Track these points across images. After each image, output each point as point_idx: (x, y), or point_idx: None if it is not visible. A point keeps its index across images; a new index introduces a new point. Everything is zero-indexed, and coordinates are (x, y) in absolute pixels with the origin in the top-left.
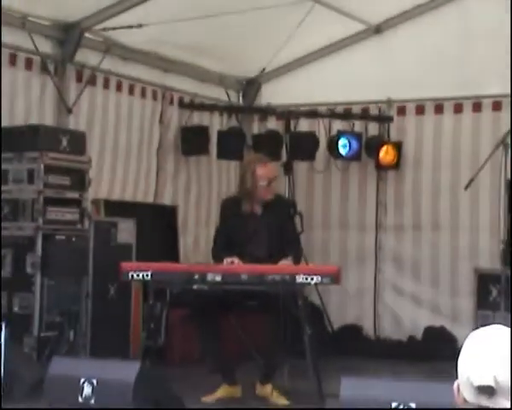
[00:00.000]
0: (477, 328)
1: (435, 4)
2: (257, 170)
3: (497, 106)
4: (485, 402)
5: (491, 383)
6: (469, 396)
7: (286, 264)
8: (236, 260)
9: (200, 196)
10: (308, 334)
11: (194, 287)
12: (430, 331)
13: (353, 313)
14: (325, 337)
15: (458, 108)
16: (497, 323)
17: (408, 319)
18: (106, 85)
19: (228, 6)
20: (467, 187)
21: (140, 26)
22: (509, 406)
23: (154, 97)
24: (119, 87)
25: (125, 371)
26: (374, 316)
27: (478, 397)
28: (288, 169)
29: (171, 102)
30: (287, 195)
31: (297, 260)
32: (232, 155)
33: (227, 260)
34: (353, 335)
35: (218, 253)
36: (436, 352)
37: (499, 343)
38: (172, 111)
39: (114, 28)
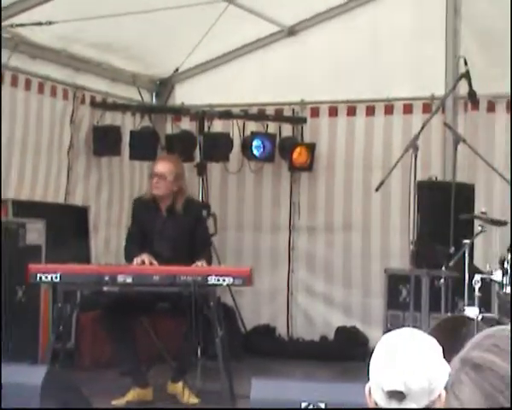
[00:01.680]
0: (387, 328)
1: (347, 8)
2: (152, 167)
3: (408, 109)
4: (395, 406)
5: (401, 388)
6: (380, 400)
7: (199, 265)
8: (146, 258)
9: (111, 196)
10: (220, 335)
11: (105, 289)
12: (342, 331)
13: (266, 314)
14: (238, 338)
15: (370, 111)
16: (407, 323)
17: (320, 319)
18: (14, 83)
19: (141, 5)
20: (377, 189)
21: (49, 23)
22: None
23: (65, 96)
24: (27, 85)
25: (32, 375)
26: (287, 317)
27: (388, 401)
28: (201, 170)
29: (83, 101)
30: (200, 196)
31: (208, 263)
32: (145, 156)
33: (137, 260)
34: (266, 335)
35: (130, 253)
36: (348, 352)
37: (410, 348)
38: (84, 110)
39: (22, 25)
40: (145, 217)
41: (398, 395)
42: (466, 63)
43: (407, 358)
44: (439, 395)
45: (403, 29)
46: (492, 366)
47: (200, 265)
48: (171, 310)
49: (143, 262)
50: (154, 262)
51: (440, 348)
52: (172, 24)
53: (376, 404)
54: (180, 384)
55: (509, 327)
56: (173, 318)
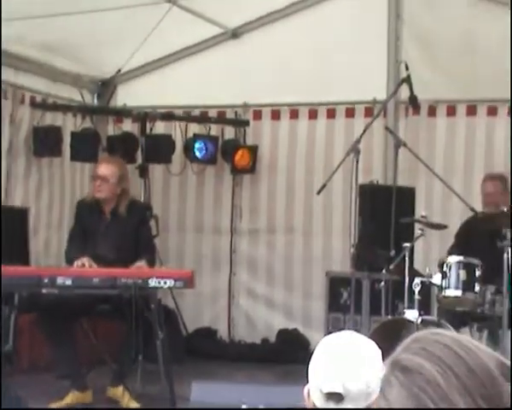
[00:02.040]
0: (328, 331)
1: (291, 11)
2: (94, 170)
3: (350, 113)
4: (333, 407)
5: (339, 390)
6: (318, 401)
7: (139, 267)
8: (87, 261)
9: (52, 198)
10: (160, 338)
11: (44, 291)
12: (283, 334)
13: (208, 317)
14: (179, 341)
15: (313, 114)
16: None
17: (262, 322)
18: None
19: (83, 5)
20: (319, 192)
21: None
22: None
23: (5, 96)
24: None
25: None
26: (228, 319)
27: (326, 403)
28: (143, 172)
29: (23, 101)
30: (142, 198)
31: (150, 265)
32: (86, 157)
33: (77, 263)
34: (208, 338)
35: (71, 255)
36: (289, 354)
37: (349, 351)
38: (24, 111)
39: None
40: (88, 219)
41: (336, 397)
42: (407, 68)
43: (346, 361)
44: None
45: (345, 33)
46: (420, 370)
47: (140, 265)
48: (112, 313)
49: (84, 265)
50: (94, 265)
51: (379, 352)
52: (115, 25)
53: (314, 405)
54: (120, 388)
55: (438, 331)
56: (114, 320)
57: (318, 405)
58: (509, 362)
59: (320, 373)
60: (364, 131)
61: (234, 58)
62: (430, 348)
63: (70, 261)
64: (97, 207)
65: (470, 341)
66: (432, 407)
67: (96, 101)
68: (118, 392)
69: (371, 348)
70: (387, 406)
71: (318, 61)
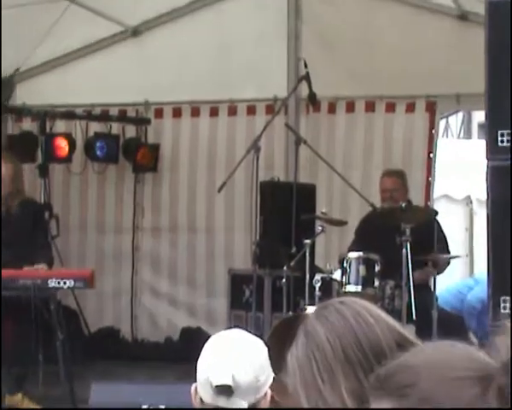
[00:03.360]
0: (230, 327)
1: (192, 8)
2: None
3: (251, 110)
4: (222, 403)
5: (229, 382)
6: (207, 397)
7: (38, 268)
8: None
9: None
10: (60, 339)
11: None
12: (187, 332)
13: (110, 316)
14: (81, 341)
15: (214, 112)
16: (250, 323)
17: (165, 320)
18: None
19: None
20: (219, 190)
21: None
22: (245, 406)
23: None
24: None
25: None
26: (131, 318)
27: (216, 398)
28: (43, 171)
29: None
30: (42, 198)
31: (49, 265)
32: None
33: None
34: (110, 338)
35: None
36: (192, 353)
37: (237, 346)
38: None
39: None
40: None
41: (226, 390)
42: (306, 66)
43: (235, 354)
44: (265, 394)
45: (246, 31)
46: (315, 335)
47: (40, 268)
48: (10, 314)
49: None
50: None
51: (266, 350)
52: (13, 22)
53: (202, 402)
54: (19, 395)
55: (348, 299)
56: (13, 322)
57: (206, 400)
58: (412, 337)
59: (210, 367)
60: (264, 128)
61: (135, 56)
62: (330, 317)
63: None
64: None
65: (374, 314)
66: (315, 372)
67: None
68: (17, 398)
69: (259, 346)
70: (293, 362)
71: (219, 59)
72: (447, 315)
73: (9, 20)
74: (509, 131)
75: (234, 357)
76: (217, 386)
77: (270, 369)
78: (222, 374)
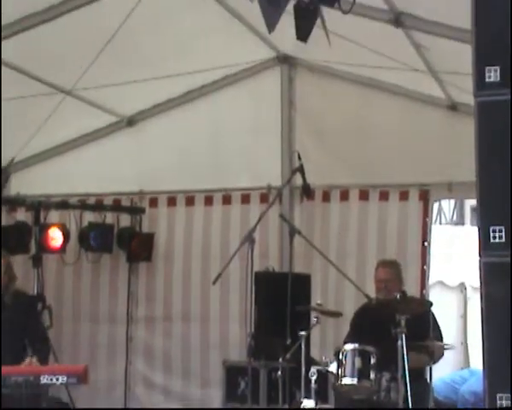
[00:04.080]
0: None
1: (187, 99)
2: None
3: (245, 199)
4: None
5: None
6: None
7: (28, 363)
8: None
9: None
10: None
11: None
12: None
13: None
14: None
15: (209, 201)
16: None
17: None
18: None
19: None
20: (214, 282)
21: None
22: None
23: None
24: None
25: None
26: None
27: None
28: (36, 262)
29: None
30: (35, 289)
31: (44, 360)
32: None
33: None
34: None
35: None
36: None
37: None
38: None
39: None
40: None
41: None
42: (299, 158)
43: None
44: None
45: (240, 120)
46: None
47: (29, 362)
48: None
49: None
50: None
51: None
52: (8, 114)
53: None
54: None
55: None
56: None
57: None
58: None
59: None
60: (259, 220)
61: (130, 145)
62: None
63: None
64: None
65: None
66: None
67: None
68: None
69: None
70: None
71: (214, 148)
72: (441, 405)
73: (5, 111)
74: (502, 227)
75: None
76: None
77: None
78: None
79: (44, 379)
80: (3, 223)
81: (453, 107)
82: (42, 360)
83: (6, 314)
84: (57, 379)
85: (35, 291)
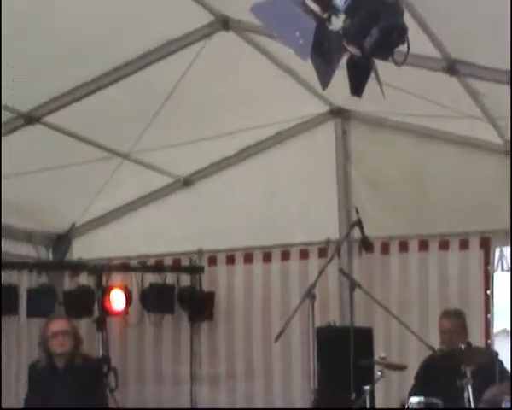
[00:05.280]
0: None
1: (242, 157)
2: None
3: (304, 254)
4: None
5: None
6: None
7: None
8: None
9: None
10: None
11: None
12: None
13: None
14: None
15: (267, 257)
16: None
17: None
18: None
19: (35, 164)
20: (276, 339)
21: None
22: None
23: None
24: None
25: None
26: None
27: None
28: (100, 325)
29: None
30: (100, 351)
31: None
32: (43, 313)
33: None
34: None
35: None
36: None
37: None
38: None
39: None
40: (43, 379)
41: None
42: (357, 212)
43: None
44: None
45: (297, 175)
46: None
47: None
48: None
49: None
50: None
51: None
52: (68, 179)
53: None
54: None
55: None
56: None
57: None
58: None
59: None
60: (319, 275)
61: (187, 205)
62: None
63: None
64: (50, 367)
65: None
66: None
67: (51, 255)
68: None
69: None
70: None
71: (270, 205)
72: None
73: (65, 177)
74: None
75: None
76: None
77: None
78: None
79: None
80: (67, 288)
81: (509, 151)
82: None
83: (76, 378)
84: None
85: (100, 354)
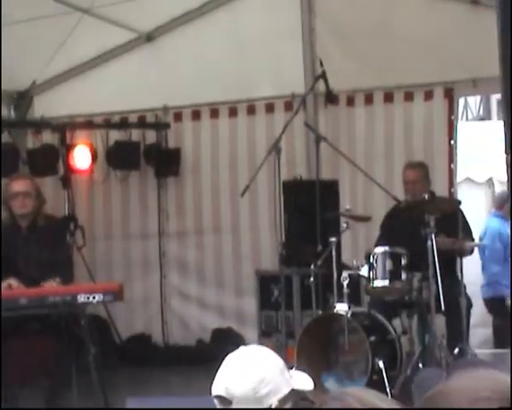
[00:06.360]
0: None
1: (205, 10)
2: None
3: (270, 108)
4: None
5: (222, 393)
6: (217, 405)
7: (51, 285)
8: (14, 281)
9: None
10: (92, 353)
11: None
12: (218, 333)
13: (141, 322)
14: (113, 349)
15: (233, 112)
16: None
17: (195, 323)
18: None
19: None
20: (243, 194)
21: None
22: None
23: None
24: None
25: None
26: (161, 323)
27: (219, 407)
28: (66, 183)
29: None
30: (66, 209)
31: (66, 282)
32: (6, 173)
33: (3, 285)
34: (142, 344)
35: None
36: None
37: (240, 361)
38: None
39: None
40: (6, 239)
41: (223, 401)
42: (322, 64)
43: (234, 368)
44: (270, 406)
45: (260, 29)
46: None
47: (55, 284)
48: (42, 330)
49: (10, 286)
50: (21, 285)
51: (276, 366)
52: (27, 36)
53: None
54: None
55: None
56: (45, 337)
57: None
58: None
59: (214, 380)
60: (284, 129)
61: (150, 61)
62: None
63: None
64: (13, 226)
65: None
66: None
67: (13, 114)
68: None
69: (271, 361)
70: None
71: (235, 59)
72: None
73: (23, 33)
74: None
75: (230, 370)
76: (214, 396)
77: (278, 384)
78: (217, 385)
79: (81, 298)
80: (30, 146)
81: (475, 1)
82: (65, 283)
83: (39, 237)
84: (94, 297)
85: (66, 212)
